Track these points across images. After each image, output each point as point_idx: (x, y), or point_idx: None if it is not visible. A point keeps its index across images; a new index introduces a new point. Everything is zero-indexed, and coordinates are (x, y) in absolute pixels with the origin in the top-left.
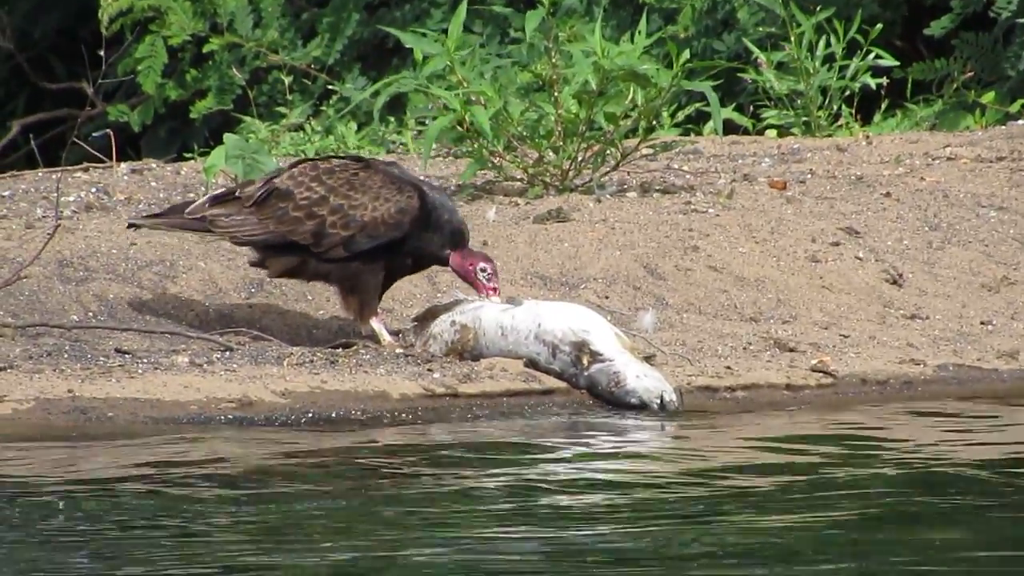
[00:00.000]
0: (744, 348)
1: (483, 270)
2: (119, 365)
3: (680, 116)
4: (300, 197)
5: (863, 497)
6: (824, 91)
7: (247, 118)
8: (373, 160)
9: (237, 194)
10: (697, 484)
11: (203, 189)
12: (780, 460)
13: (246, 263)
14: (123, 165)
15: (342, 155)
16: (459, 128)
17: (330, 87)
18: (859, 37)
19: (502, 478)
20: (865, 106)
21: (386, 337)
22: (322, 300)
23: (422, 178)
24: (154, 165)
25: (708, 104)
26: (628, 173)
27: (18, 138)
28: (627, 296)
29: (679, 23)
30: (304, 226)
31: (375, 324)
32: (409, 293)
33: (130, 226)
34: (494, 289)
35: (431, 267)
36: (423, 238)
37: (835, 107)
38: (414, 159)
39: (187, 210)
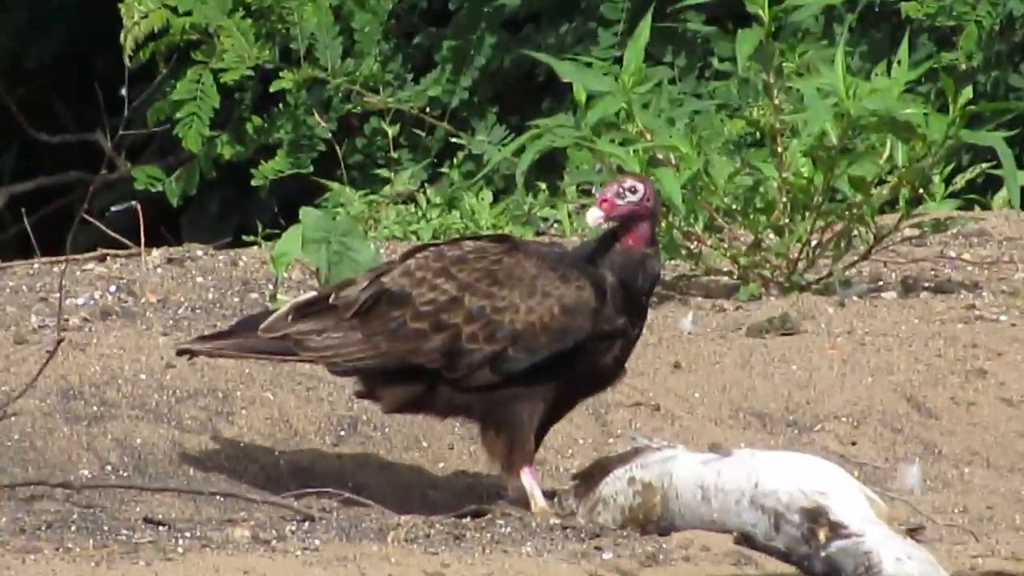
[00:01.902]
0: None
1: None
2: (149, 541)
3: (959, 182)
4: (422, 301)
5: None
6: None
7: (334, 185)
8: (521, 240)
9: (331, 300)
10: None
11: (271, 287)
12: None
13: (330, 394)
14: (155, 252)
15: (476, 236)
16: None
17: (454, 140)
18: None
19: None
20: None
21: (539, 500)
22: (443, 447)
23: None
24: (200, 253)
25: (999, 164)
26: (884, 264)
27: (5, 213)
28: (883, 442)
29: (959, 48)
30: (430, 342)
31: (527, 478)
32: (568, 437)
33: (180, 353)
34: (600, 199)
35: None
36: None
37: None
38: (573, 244)
39: (262, 326)
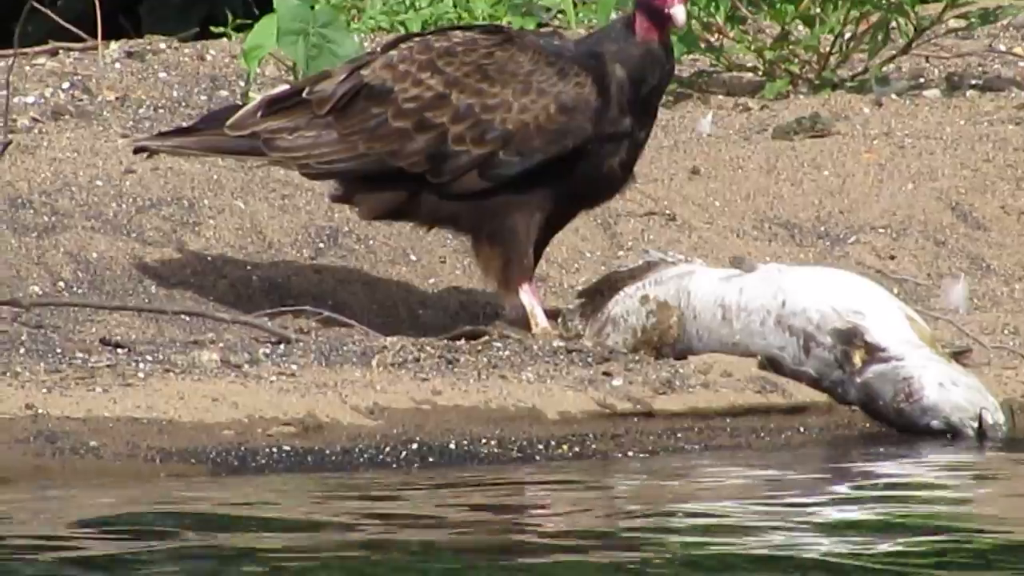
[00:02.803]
0: None
1: None
2: (107, 365)
3: None
4: (405, 97)
5: None
6: None
7: None
8: (517, 32)
9: (305, 95)
10: None
11: (242, 84)
12: None
13: (308, 202)
14: (113, 45)
15: (467, 26)
16: None
17: None
18: None
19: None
20: None
21: (541, 319)
22: (434, 260)
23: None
24: (163, 46)
25: None
26: (926, 59)
27: None
28: (925, 256)
29: None
30: (413, 143)
31: (526, 296)
32: (573, 250)
33: (137, 151)
34: None
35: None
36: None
37: None
38: (577, 36)
39: (229, 122)
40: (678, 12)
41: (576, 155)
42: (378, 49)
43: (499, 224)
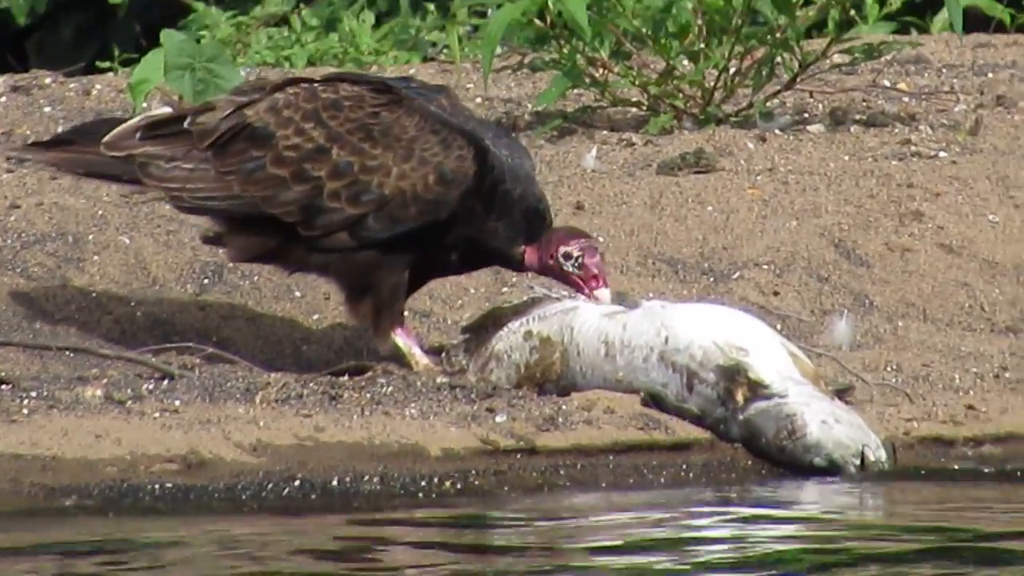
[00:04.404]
0: (996, 376)
1: (566, 257)
2: None
3: (894, 2)
4: (286, 144)
5: None
6: None
7: (198, 5)
8: (407, 95)
9: (187, 124)
10: None
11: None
12: None
13: (193, 238)
14: None
15: (356, 76)
16: (538, 22)
17: None
18: None
19: None
20: None
21: (420, 357)
22: (318, 296)
23: (479, 119)
24: (49, 80)
25: None
26: (810, 95)
27: None
28: (808, 292)
29: None
30: (288, 192)
31: (401, 339)
32: (457, 287)
33: (8, 159)
34: (595, 278)
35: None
36: (480, 226)
37: None
38: (467, 73)
39: (105, 140)
40: (602, 294)
41: (447, 224)
42: (265, 88)
43: (368, 280)
